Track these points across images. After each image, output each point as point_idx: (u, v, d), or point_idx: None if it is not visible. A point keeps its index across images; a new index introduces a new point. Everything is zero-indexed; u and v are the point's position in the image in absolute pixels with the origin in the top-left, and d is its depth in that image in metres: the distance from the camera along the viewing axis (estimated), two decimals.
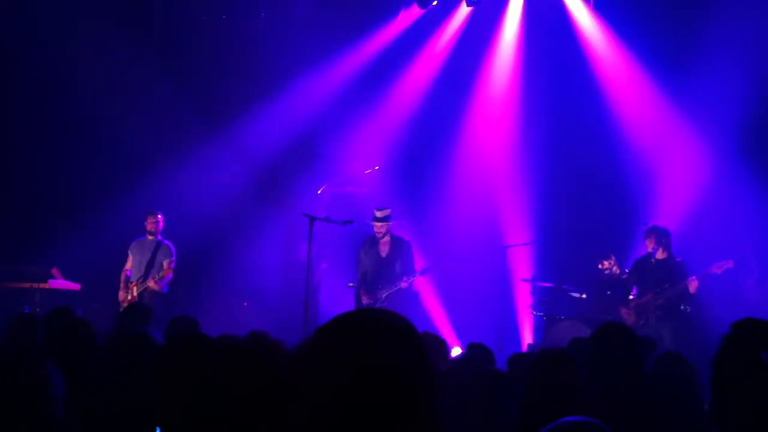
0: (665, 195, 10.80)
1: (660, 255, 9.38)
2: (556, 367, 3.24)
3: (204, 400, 2.81)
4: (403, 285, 9.90)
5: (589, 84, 11.63)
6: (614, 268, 9.63)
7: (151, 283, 10.29)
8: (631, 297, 9.51)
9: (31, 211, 11.72)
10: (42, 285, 10.46)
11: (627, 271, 9.81)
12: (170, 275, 10.41)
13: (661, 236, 9.39)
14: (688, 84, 10.82)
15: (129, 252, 10.61)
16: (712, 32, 10.50)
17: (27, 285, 10.47)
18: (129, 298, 10.28)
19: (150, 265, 10.41)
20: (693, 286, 9.12)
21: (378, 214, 10.13)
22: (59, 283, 10.66)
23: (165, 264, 10.37)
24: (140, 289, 10.32)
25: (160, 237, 10.59)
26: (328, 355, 1.68)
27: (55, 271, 10.70)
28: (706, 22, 10.58)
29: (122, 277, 10.52)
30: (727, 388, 2.57)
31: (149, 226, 10.52)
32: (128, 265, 10.58)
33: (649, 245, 9.38)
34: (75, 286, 10.79)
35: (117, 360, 3.63)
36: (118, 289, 10.50)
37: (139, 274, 10.44)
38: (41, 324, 6.11)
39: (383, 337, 1.67)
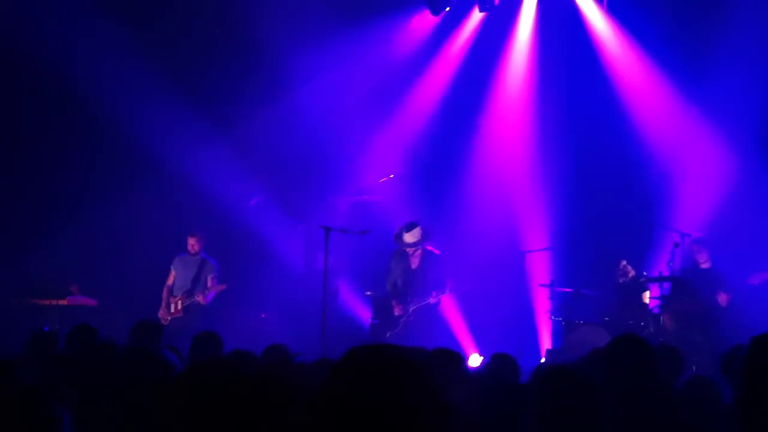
0: (685, 198, 10.72)
1: (705, 265, 9.48)
2: (565, 387, 3.20)
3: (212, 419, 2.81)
4: (432, 300, 9.89)
5: (606, 86, 11.56)
6: (629, 272, 9.68)
7: (199, 298, 10.45)
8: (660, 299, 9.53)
9: (49, 226, 11.74)
10: (61, 301, 10.54)
11: (645, 274, 9.80)
12: (214, 291, 10.54)
13: (711, 247, 9.51)
14: (705, 83, 10.72)
15: (172, 268, 10.71)
16: (728, 30, 10.41)
17: (46, 302, 10.57)
18: (172, 311, 10.43)
19: (196, 281, 10.56)
20: (723, 299, 9.26)
21: (409, 239, 10.02)
22: (78, 299, 10.73)
23: (209, 279, 10.56)
24: (186, 303, 10.43)
25: (204, 254, 10.72)
26: (332, 378, 1.80)
27: (74, 287, 10.78)
28: (721, 20, 10.49)
29: (164, 295, 10.61)
30: (755, 394, 2.62)
31: (189, 248, 10.68)
32: (170, 280, 10.66)
33: (702, 256, 9.44)
34: (92, 302, 10.85)
35: (130, 380, 3.63)
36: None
37: (185, 288, 10.55)
38: (63, 341, 6.16)
39: (386, 367, 1.76)
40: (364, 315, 11.05)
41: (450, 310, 11.46)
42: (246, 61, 12.35)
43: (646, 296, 9.87)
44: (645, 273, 9.85)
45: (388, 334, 9.92)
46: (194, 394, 3.04)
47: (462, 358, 4.75)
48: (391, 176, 11.60)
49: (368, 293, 10.78)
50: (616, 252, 10.22)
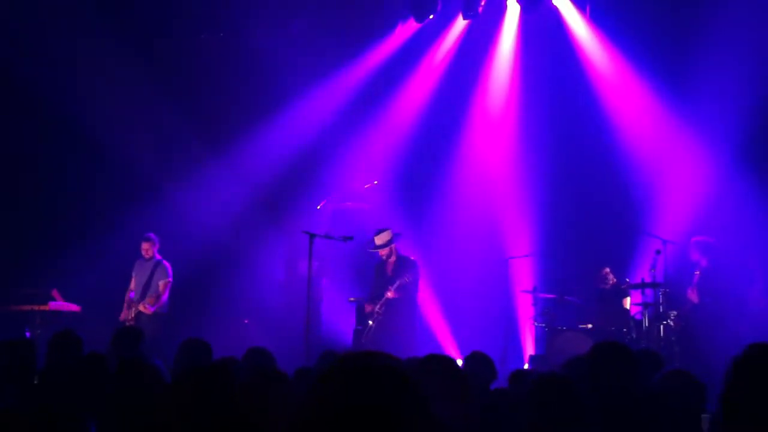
0: (667, 204, 10.78)
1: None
2: (555, 396, 3.22)
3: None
4: (388, 295, 9.95)
5: (588, 94, 11.61)
6: (611, 280, 9.78)
7: (141, 308, 10.34)
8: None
9: (30, 233, 11.70)
10: (42, 307, 10.47)
11: (627, 280, 9.87)
12: (165, 296, 10.41)
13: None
14: (687, 92, 10.78)
15: (132, 273, 10.67)
16: (711, 40, 10.47)
17: (27, 308, 10.49)
18: (129, 318, 10.32)
19: (147, 286, 10.45)
20: (693, 295, 9.48)
21: (377, 241, 10.22)
22: (59, 305, 10.67)
23: (160, 285, 10.41)
24: (135, 312, 10.34)
25: (158, 257, 10.63)
26: (320, 385, 1.82)
27: (55, 292, 10.71)
28: (705, 30, 10.55)
29: (126, 298, 10.58)
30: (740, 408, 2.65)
31: (143, 253, 10.64)
32: (131, 285, 10.61)
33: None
34: (75, 308, 10.79)
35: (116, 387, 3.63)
36: (120, 309, 10.51)
37: (138, 295, 10.49)
38: (47, 347, 6.10)
39: (374, 375, 1.79)
40: (348, 321, 11.06)
41: (434, 315, 11.51)
42: (233, 72, 12.37)
43: (627, 302, 9.93)
44: (627, 280, 9.93)
45: (362, 339, 9.96)
46: (187, 401, 3.06)
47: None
48: (376, 183, 11.63)
49: (352, 299, 10.79)
50: (599, 258, 10.28)
